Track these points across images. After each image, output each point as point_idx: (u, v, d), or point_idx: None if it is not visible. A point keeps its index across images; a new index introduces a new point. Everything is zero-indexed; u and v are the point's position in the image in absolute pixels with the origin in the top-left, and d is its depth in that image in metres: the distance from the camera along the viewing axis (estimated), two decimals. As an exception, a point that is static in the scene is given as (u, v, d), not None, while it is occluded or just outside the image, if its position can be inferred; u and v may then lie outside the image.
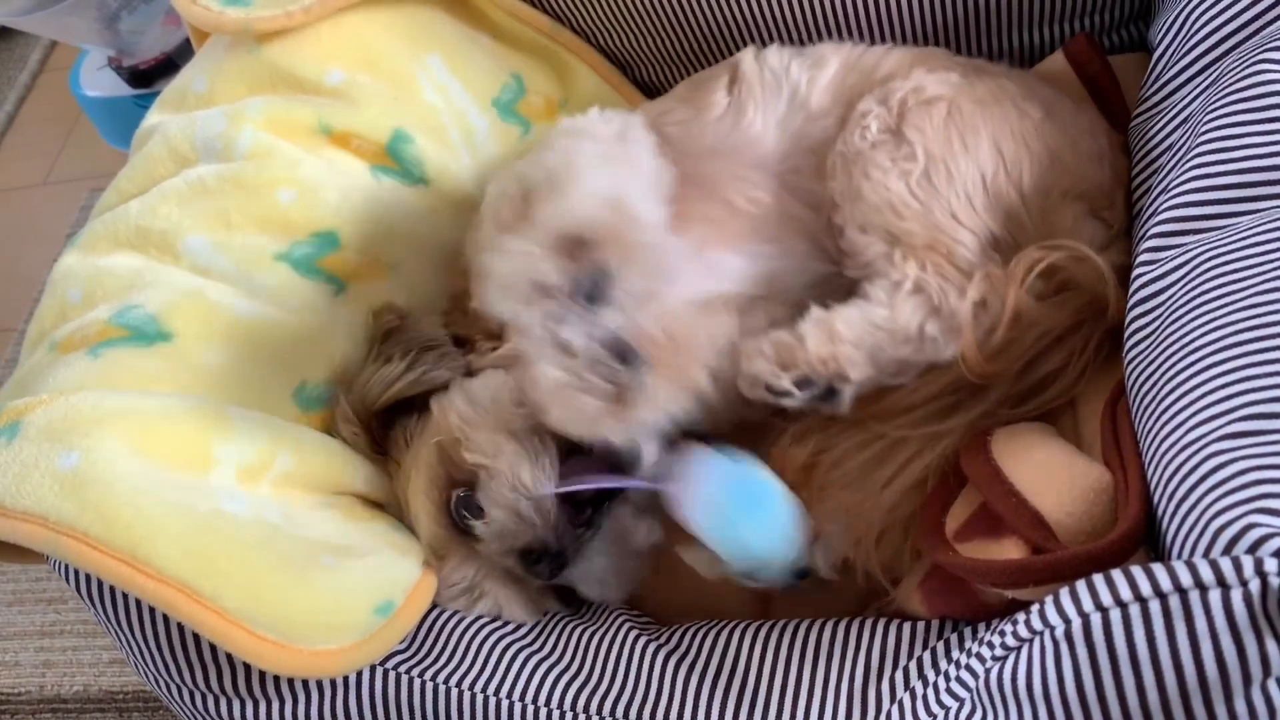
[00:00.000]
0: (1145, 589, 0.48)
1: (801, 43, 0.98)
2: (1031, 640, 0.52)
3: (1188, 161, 0.70)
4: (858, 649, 0.70)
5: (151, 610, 0.70)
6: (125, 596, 0.71)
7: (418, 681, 0.72)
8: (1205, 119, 0.70)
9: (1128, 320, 0.70)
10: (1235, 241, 0.64)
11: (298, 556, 0.70)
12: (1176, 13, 0.78)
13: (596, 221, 0.67)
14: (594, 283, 0.67)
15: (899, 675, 0.66)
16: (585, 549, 0.75)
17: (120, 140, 1.87)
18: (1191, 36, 0.76)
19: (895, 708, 0.64)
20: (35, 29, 1.90)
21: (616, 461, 0.74)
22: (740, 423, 0.83)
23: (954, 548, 0.69)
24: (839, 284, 0.83)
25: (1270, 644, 0.46)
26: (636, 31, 1.04)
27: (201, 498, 0.69)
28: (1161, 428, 0.61)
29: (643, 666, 0.72)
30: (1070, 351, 0.77)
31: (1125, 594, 0.49)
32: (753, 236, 0.85)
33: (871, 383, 0.76)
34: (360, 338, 0.85)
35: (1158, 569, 0.49)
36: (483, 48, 1.00)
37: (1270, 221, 0.63)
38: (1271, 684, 0.47)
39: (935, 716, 0.60)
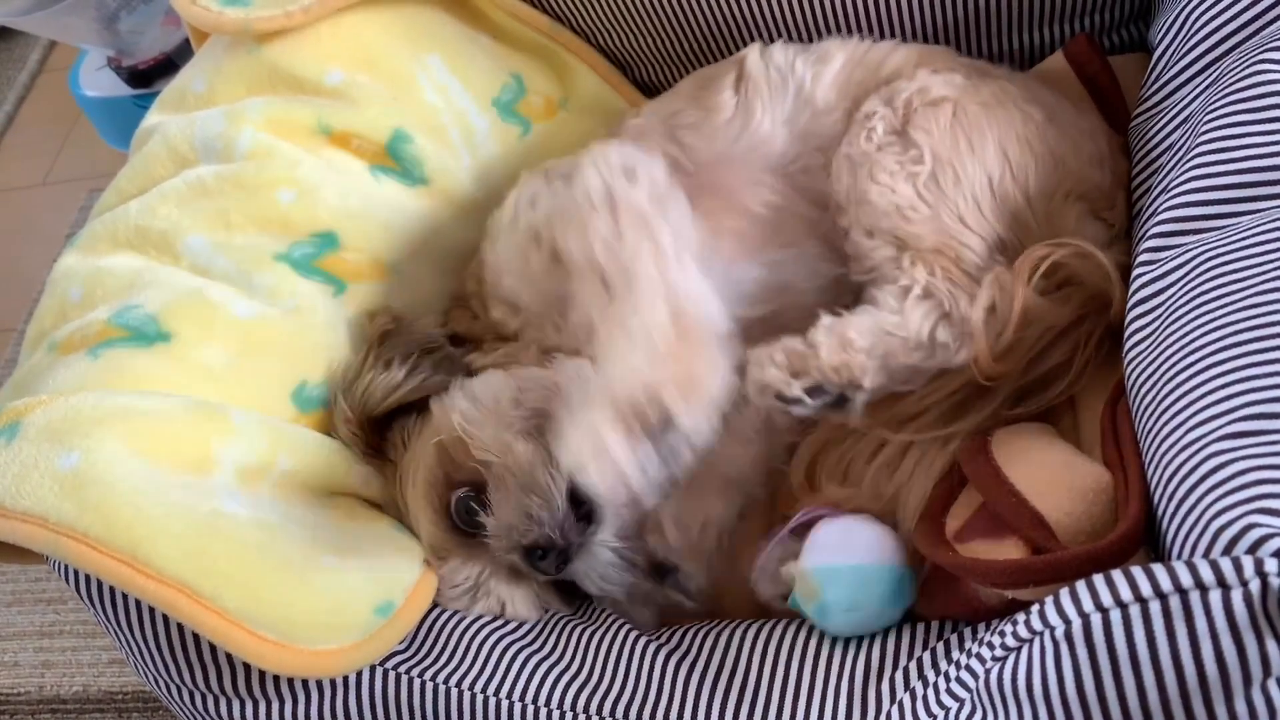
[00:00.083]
0: (1145, 589, 0.48)
1: (803, 42, 0.98)
2: (1031, 641, 0.52)
3: (1188, 161, 0.70)
4: (858, 649, 0.70)
5: (151, 610, 0.70)
6: (125, 597, 0.70)
7: (418, 682, 0.72)
8: (1205, 119, 0.70)
9: (1128, 320, 0.70)
10: (1235, 241, 0.64)
11: (298, 557, 0.70)
12: (1176, 13, 0.78)
13: (663, 385, 0.65)
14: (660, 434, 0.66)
15: (899, 675, 0.66)
16: (588, 544, 0.75)
17: (120, 140, 1.87)
18: (1191, 36, 0.76)
19: (895, 708, 0.64)
20: (34, 29, 1.90)
21: None
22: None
23: (954, 548, 0.69)
24: (848, 285, 0.83)
25: (1270, 644, 0.46)
26: (636, 31, 1.04)
27: (201, 498, 0.69)
28: (1161, 428, 0.61)
29: (643, 666, 0.72)
30: (1073, 346, 0.77)
31: (1125, 594, 0.49)
32: (770, 243, 0.85)
33: (882, 390, 0.76)
34: (360, 339, 0.85)
35: (1158, 569, 0.49)
36: (483, 48, 1.00)
37: (1270, 222, 0.63)
38: (1272, 684, 0.47)
39: (935, 717, 0.60)
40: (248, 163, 0.85)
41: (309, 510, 0.76)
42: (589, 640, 0.75)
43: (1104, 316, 0.77)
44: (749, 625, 0.74)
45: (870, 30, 0.97)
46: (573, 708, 0.70)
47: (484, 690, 0.71)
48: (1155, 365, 0.64)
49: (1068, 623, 0.50)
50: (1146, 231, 0.71)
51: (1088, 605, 0.50)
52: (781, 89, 0.88)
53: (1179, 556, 0.56)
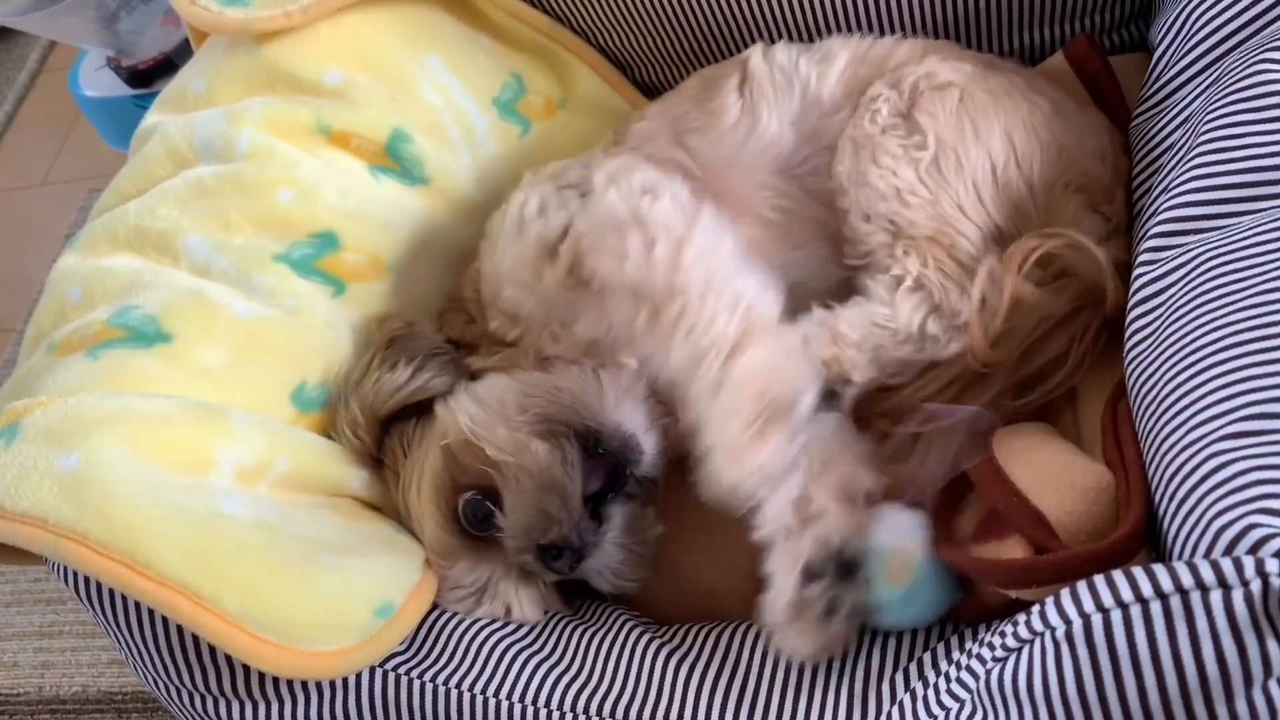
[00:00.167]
0: (1146, 589, 0.48)
1: (803, 41, 0.98)
2: (1032, 641, 0.52)
3: (1188, 161, 0.70)
4: (859, 650, 0.70)
5: (150, 612, 0.70)
6: (124, 598, 0.70)
7: (418, 683, 0.72)
8: (1206, 119, 0.70)
9: (1128, 320, 0.70)
10: (1236, 241, 0.64)
11: (298, 558, 0.70)
12: (1177, 13, 0.78)
13: (770, 379, 0.68)
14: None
15: (899, 676, 0.66)
16: (601, 542, 0.76)
17: (119, 140, 1.87)
18: (1192, 36, 0.76)
19: (896, 709, 0.64)
20: (34, 29, 1.90)
21: (623, 460, 0.76)
22: None
23: (960, 547, 0.69)
24: (856, 286, 0.83)
25: (1271, 644, 0.46)
26: (636, 31, 1.04)
27: (201, 499, 0.69)
28: (1162, 428, 0.61)
29: (643, 667, 0.72)
30: (1070, 338, 0.77)
31: (1126, 594, 0.49)
32: (781, 246, 0.85)
33: (873, 384, 0.76)
34: (360, 340, 0.85)
35: (1159, 569, 0.49)
36: (482, 47, 1.00)
37: (1271, 221, 0.63)
38: (1272, 684, 0.47)
39: (936, 717, 0.60)
40: (247, 163, 0.85)
41: (308, 511, 0.75)
42: (588, 641, 0.75)
43: (1100, 309, 0.77)
44: (749, 625, 0.74)
45: (871, 29, 0.97)
46: (572, 709, 0.70)
47: (484, 691, 0.71)
48: (1156, 365, 0.64)
49: (1068, 623, 0.50)
50: (1147, 231, 0.71)
51: (1088, 605, 0.50)
52: (787, 90, 0.88)
53: (1180, 556, 0.56)
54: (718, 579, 0.82)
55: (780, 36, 0.99)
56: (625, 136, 0.92)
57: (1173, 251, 0.68)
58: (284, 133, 0.87)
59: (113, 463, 0.66)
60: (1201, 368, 0.60)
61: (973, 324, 0.75)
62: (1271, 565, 0.46)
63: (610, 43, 1.07)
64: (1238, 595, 0.46)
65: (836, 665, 0.69)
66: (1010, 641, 0.54)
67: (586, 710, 0.69)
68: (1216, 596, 0.47)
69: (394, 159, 0.91)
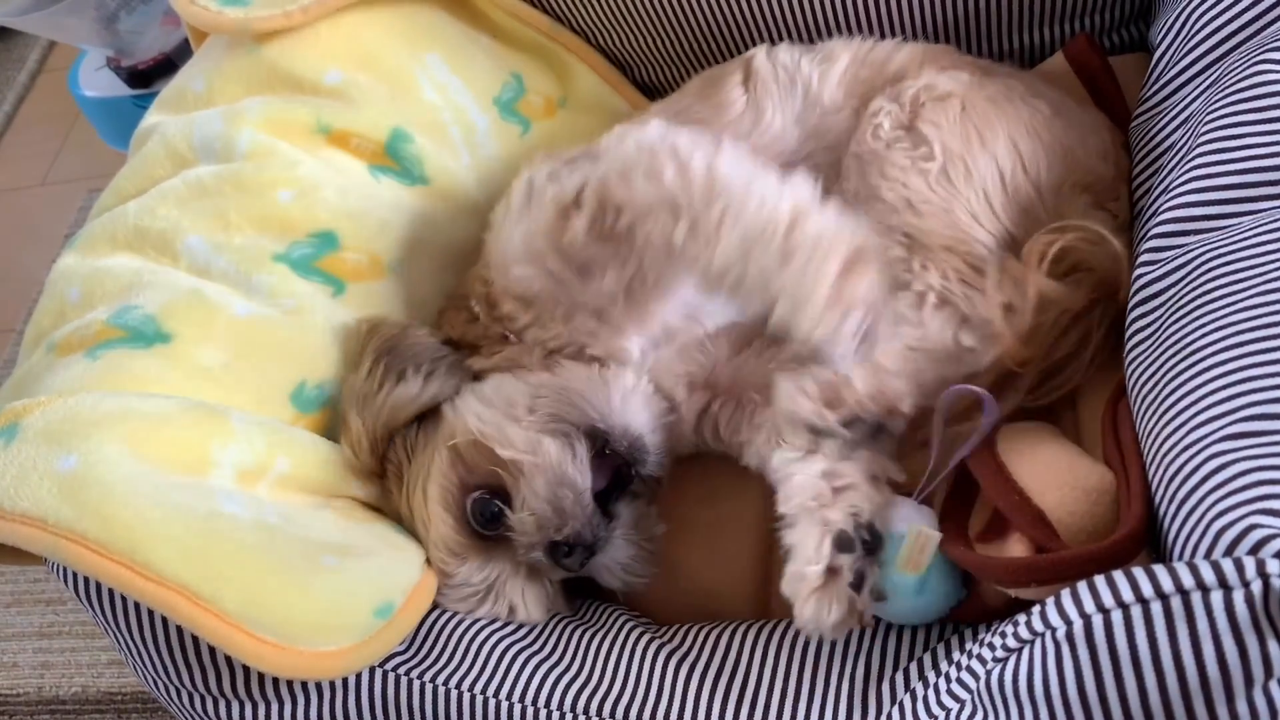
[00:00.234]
0: (1147, 590, 0.48)
1: (803, 42, 0.98)
2: (1033, 641, 0.52)
3: (1188, 162, 0.70)
4: (859, 650, 0.70)
5: (150, 612, 0.70)
6: (123, 598, 0.70)
7: (417, 683, 0.72)
8: (1206, 119, 0.70)
9: (1128, 320, 0.70)
10: (1236, 242, 0.64)
11: (297, 558, 0.70)
12: (1177, 13, 0.78)
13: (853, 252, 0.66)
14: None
15: (900, 676, 0.66)
16: (611, 538, 0.76)
17: (119, 141, 1.87)
18: (1192, 37, 0.76)
19: (896, 709, 0.64)
20: (34, 29, 1.90)
21: (629, 460, 0.77)
22: None
23: (965, 544, 0.69)
24: None
25: (1272, 645, 0.46)
26: (636, 31, 1.04)
27: (200, 500, 0.68)
28: (1163, 428, 0.61)
29: (643, 668, 0.72)
30: (1085, 332, 0.77)
31: (1127, 595, 0.49)
32: None
33: (918, 410, 0.74)
34: (350, 346, 0.84)
35: (1159, 570, 0.49)
36: (482, 47, 1.00)
37: (1271, 222, 0.63)
38: (1273, 685, 0.47)
39: (936, 718, 0.59)
40: (247, 163, 0.85)
41: (308, 512, 0.75)
42: (588, 641, 0.75)
43: (1113, 302, 0.76)
44: (749, 626, 0.74)
45: (871, 30, 0.97)
46: (572, 709, 0.70)
47: (484, 692, 0.71)
48: (1156, 365, 0.64)
49: (1069, 623, 0.50)
50: (1148, 231, 0.71)
51: (1089, 606, 0.50)
52: (790, 88, 0.88)
53: (1180, 557, 0.56)
54: (718, 579, 0.82)
55: (780, 37, 0.99)
56: None
57: (1173, 252, 0.68)
58: (283, 133, 0.87)
59: (112, 463, 0.66)
60: (1202, 368, 0.60)
61: (998, 323, 0.74)
62: (1272, 566, 0.46)
63: (610, 43, 1.07)
64: (1238, 596, 0.46)
65: (836, 665, 0.69)
66: (1011, 642, 0.54)
67: (586, 710, 0.69)
68: (1217, 597, 0.47)
69: (394, 159, 0.91)
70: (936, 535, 0.67)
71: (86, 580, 0.71)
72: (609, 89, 1.07)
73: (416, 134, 0.91)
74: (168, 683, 0.72)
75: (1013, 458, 0.70)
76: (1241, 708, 0.47)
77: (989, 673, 0.55)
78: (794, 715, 0.67)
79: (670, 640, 0.74)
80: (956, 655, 0.63)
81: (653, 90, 1.10)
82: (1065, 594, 0.51)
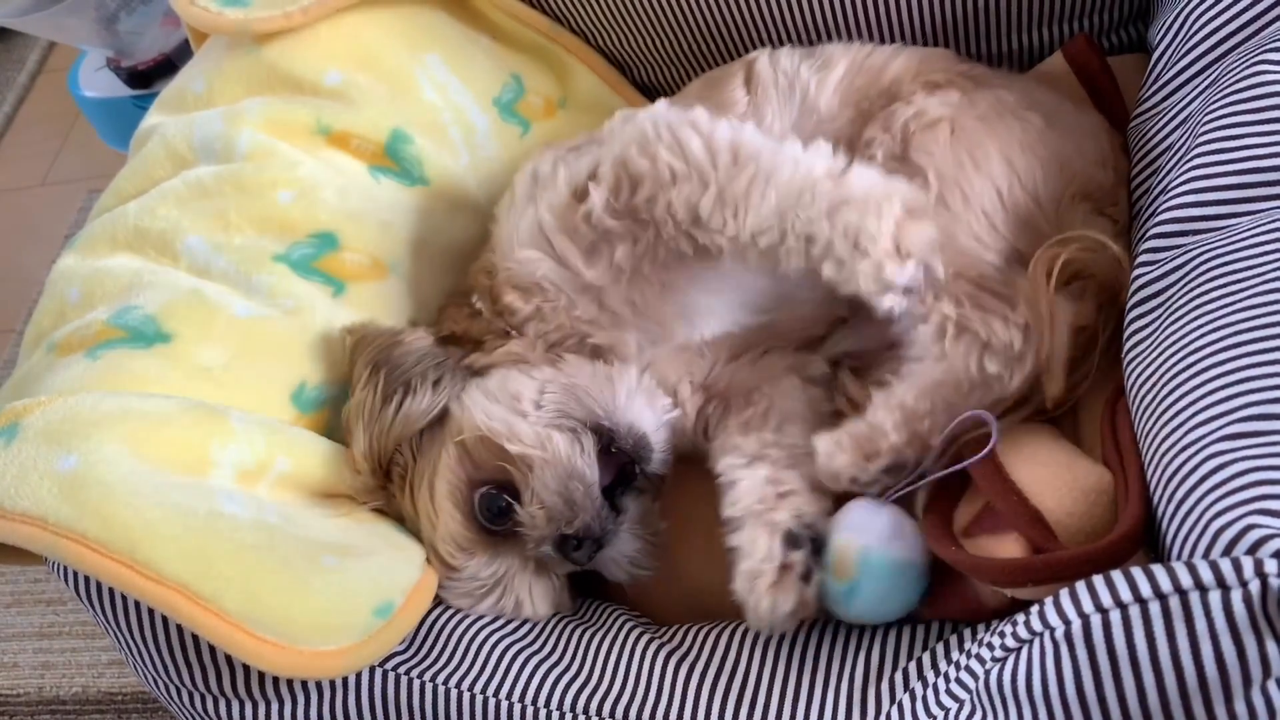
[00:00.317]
0: (1145, 590, 0.48)
1: (803, 44, 0.98)
2: (1031, 641, 0.52)
3: (1187, 162, 0.70)
4: (858, 650, 0.70)
5: (150, 612, 0.70)
6: (124, 598, 0.70)
7: (417, 683, 0.72)
8: (1204, 120, 0.70)
9: (1127, 320, 0.70)
10: (1235, 242, 0.64)
11: (297, 557, 0.70)
12: (1176, 13, 0.78)
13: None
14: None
15: (899, 676, 0.66)
16: (619, 531, 0.77)
17: (119, 141, 1.87)
18: (1191, 37, 0.76)
19: (895, 709, 0.64)
20: (34, 30, 1.90)
21: (635, 458, 0.77)
22: None
23: (959, 543, 0.69)
24: (844, 298, 0.83)
25: (1270, 645, 0.46)
26: (636, 32, 1.04)
27: (200, 499, 0.69)
28: (1161, 428, 0.61)
29: (643, 667, 0.72)
30: (1090, 337, 0.76)
31: (1125, 595, 0.49)
32: None
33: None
34: (340, 354, 0.83)
35: (1158, 570, 0.49)
36: (482, 48, 1.00)
37: (1270, 222, 0.63)
38: (1271, 685, 0.47)
39: (935, 717, 0.60)
40: (247, 163, 0.85)
41: (308, 511, 0.75)
42: (588, 641, 0.75)
43: (1115, 307, 0.76)
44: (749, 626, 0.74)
45: (870, 31, 0.97)
46: (572, 708, 0.70)
47: (484, 691, 0.71)
48: (1155, 366, 0.64)
49: (1067, 623, 0.50)
50: (1146, 232, 0.71)
51: (1088, 606, 0.50)
52: (789, 95, 0.88)
53: (1178, 557, 0.56)
54: (718, 579, 0.81)
55: (779, 37, 0.99)
56: None
57: (1172, 252, 0.68)
58: (284, 133, 0.87)
59: (112, 463, 0.66)
60: (1200, 368, 0.60)
61: (1019, 345, 0.74)
62: (1270, 566, 0.46)
63: (609, 43, 1.07)
64: (1236, 596, 0.46)
65: (836, 665, 0.69)
66: (1009, 642, 0.54)
67: (586, 710, 0.69)
68: (1215, 597, 0.47)
69: (393, 159, 0.91)
70: (856, 545, 0.70)
71: (87, 580, 0.71)
72: (609, 90, 1.07)
73: (416, 135, 0.91)
74: (168, 682, 0.72)
75: (1011, 458, 0.70)
76: (1240, 708, 0.47)
77: (988, 672, 0.55)
78: (794, 715, 0.67)
79: (670, 640, 0.74)
80: (956, 655, 0.63)
81: (652, 91, 1.10)
82: (1064, 594, 0.51)
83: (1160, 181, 0.74)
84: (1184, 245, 0.67)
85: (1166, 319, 0.65)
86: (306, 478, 0.77)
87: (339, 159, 0.89)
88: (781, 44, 0.98)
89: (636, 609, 0.82)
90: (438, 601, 0.78)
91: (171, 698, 0.73)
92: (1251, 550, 0.49)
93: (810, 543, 0.72)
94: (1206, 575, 0.47)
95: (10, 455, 0.66)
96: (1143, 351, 0.66)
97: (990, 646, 0.56)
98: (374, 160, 0.91)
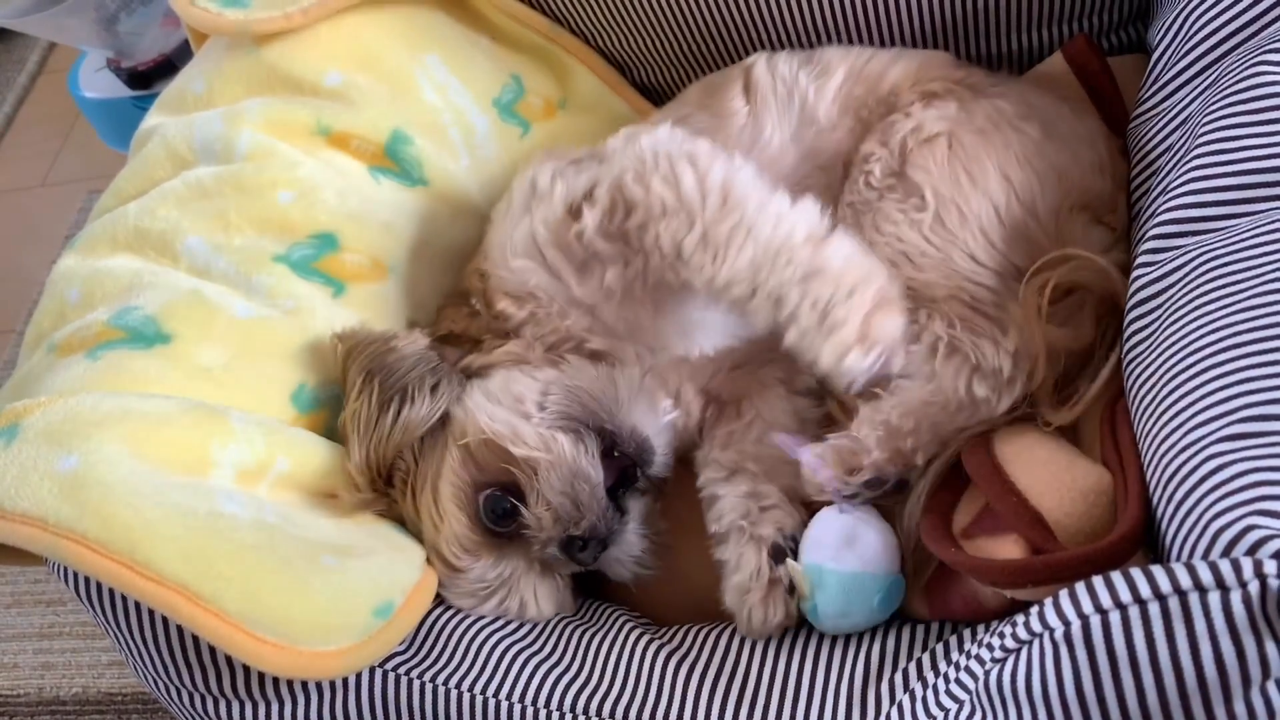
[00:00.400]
0: (1145, 591, 0.48)
1: (802, 45, 0.98)
2: (1031, 642, 0.52)
3: (1187, 163, 0.70)
4: (858, 650, 0.70)
5: (150, 612, 0.70)
6: (124, 599, 0.70)
7: (417, 683, 0.72)
8: (1204, 120, 0.70)
9: (1126, 321, 0.70)
10: (1234, 243, 0.64)
11: (297, 558, 0.70)
12: (1175, 14, 0.78)
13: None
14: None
15: (899, 676, 0.66)
16: (624, 531, 0.77)
17: (119, 142, 1.87)
18: (1190, 38, 0.76)
19: (895, 709, 0.64)
20: (34, 30, 1.90)
21: (637, 461, 0.77)
22: None
23: (959, 545, 0.69)
24: None
25: (1269, 646, 0.46)
26: (635, 33, 1.04)
27: (200, 500, 0.69)
28: (1161, 429, 0.61)
29: (643, 668, 0.72)
30: (1086, 355, 0.76)
31: (1125, 596, 0.49)
32: None
33: (938, 458, 0.75)
34: (331, 360, 0.82)
35: (1157, 571, 0.49)
36: (482, 49, 1.00)
37: (1270, 223, 0.63)
38: (1271, 686, 0.47)
39: (935, 718, 0.60)
40: (247, 164, 0.85)
41: (308, 512, 0.75)
42: (588, 641, 0.75)
43: (1116, 318, 0.76)
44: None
45: (869, 33, 0.97)
46: (572, 709, 0.70)
47: (484, 692, 0.71)
48: (1154, 366, 0.64)
49: (1067, 624, 0.50)
50: (1146, 233, 0.71)
51: (1087, 607, 0.50)
52: (788, 103, 0.88)
53: (1178, 558, 0.56)
54: (718, 580, 0.82)
55: (778, 39, 0.99)
56: None
57: (1171, 253, 0.68)
58: (283, 134, 0.87)
59: (112, 463, 0.66)
60: (1200, 369, 0.60)
61: (1009, 370, 0.74)
62: (1269, 567, 0.46)
63: (609, 44, 1.07)
64: (1236, 597, 0.46)
65: (836, 665, 0.69)
66: (1009, 642, 0.54)
67: (586, 710, 0.69)
68: (1215, 598, 0.47)
69: (393, 160, 0.91)
70: (810, 563, 0.73)
71: (87, 580, 0.71)
72: (608, 90, 1.07)
73: (416, 136, 0.91)
74: (168, 683, 0.72)
75: (1010, 459, 0.70)
76: (1239, 709, 0.47)
77: (988, 673, 0.55)
78: (794, 715, 0.67)
79: (670, 640, 0.75)
80: (955, 655, 0.63)
81: (652, 91, 1.10)
82: (1063, 595, 0.51)
83: (1160, 182, 0.74)
84: (1184, 246, 0.67)
85: (1166, 320, 0.65)
86: (306, 478, 0.77)
87: (339, 160, 0.89)
88: (781, 45, 0.98)
89: (637, 610, 0.82)
90: (438, 601, 0.78)
91: (171, 698, 0.73)
92: (1251, 551, 0.49)
93: (793, 554, 0.76)
94: (1206, 576, 0.47)
95: (10, 456, 0.66)
96: (1142, 352, 0.66)
97: (990, 647, 0.56)
98: (374, 161, 0.91)
